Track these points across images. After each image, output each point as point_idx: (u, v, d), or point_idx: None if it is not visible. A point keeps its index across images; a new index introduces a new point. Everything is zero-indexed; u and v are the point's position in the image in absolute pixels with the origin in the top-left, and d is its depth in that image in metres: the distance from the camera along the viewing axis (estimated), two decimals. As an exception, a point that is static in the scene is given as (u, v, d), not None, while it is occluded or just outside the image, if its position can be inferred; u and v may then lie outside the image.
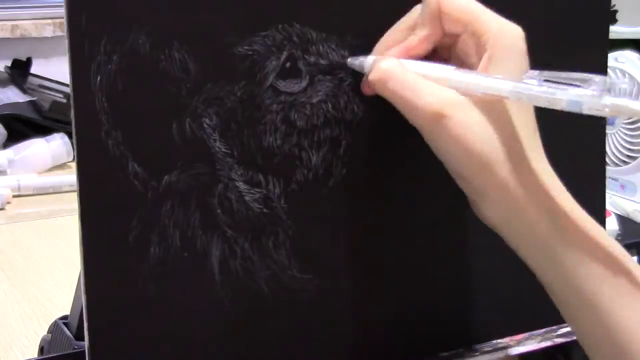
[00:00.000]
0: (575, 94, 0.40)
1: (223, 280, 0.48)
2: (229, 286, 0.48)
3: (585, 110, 0.40)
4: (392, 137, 0.52)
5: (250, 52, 0.47)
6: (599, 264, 0.45)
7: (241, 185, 0.48)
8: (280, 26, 0.48)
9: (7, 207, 1.16)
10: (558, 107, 0.41)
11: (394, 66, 0.46)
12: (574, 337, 0.57)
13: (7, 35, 2.17)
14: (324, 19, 0.49)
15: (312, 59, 0.49)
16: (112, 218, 0.45)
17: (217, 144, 0.47)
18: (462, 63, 0.48)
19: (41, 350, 0.63)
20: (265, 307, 0.49)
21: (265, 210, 0.49)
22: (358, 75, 0.50)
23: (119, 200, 0.45)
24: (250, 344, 0.49)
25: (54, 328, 0.61)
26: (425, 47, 0.48)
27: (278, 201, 0.49)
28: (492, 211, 0.46)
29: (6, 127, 1.37)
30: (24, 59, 1.67)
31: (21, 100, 1.45)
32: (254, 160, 0.48)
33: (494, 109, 0.45)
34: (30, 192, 1.20)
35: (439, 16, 0.47)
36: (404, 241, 0.53)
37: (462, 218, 0.54)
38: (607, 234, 0.47)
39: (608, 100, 0.39)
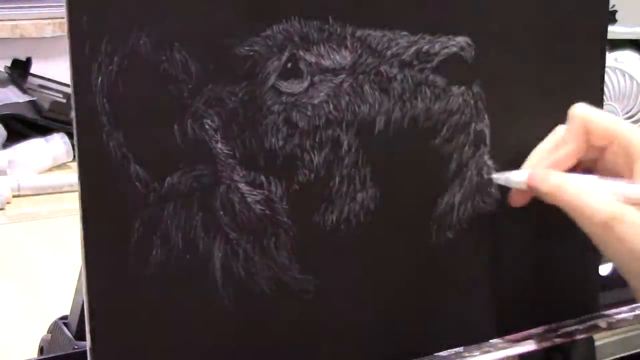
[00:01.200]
0: None
1: (225, 282, 0.48)
2: (230, 287, 0.48)
3: None
4: (391, 136, 0.52)
5: (251, 53, 0.47)
6: None
7: (243, 187, 0.48)
8: (281, 26, 0.48)
9: (7, 207, 1.16)
10: None
11: (566, 180, 0.52)
12: (574, 338, 0.58)
13: (7, 35, 2.17)
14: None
15: (314, 60, 0.49)
16: (113, 220, 0.45)
17: (219, 145, 0.47)
18: (612, 174, 0.53)
19: (41, 350, 0.63)
20: (267, 308, 0.49)
21: (267, 211, 0.49)
22: (360, 76, 0.50)
23: (120, 201, 0.45)
24: (251, 344, 0.49)
25: (54, 328, 0.61)
26: (571, 163, 0.54)
27: (280, 202, 0.49)
28: None
29: (6, 127, 1.37)
30: (23, 58, 1.67)
31: (21, 100, 1.45)
32: (256, 161, 0.48)
33: None
34: (30, 192, 1.20)
35: (584, 133, 0.53)
36: (404, 241, 0.53)
37: (461, 214, 0.54)
38: None
39: None
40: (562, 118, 0.56)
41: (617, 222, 0.50)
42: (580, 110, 0.54)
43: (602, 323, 0.60)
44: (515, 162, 0.55)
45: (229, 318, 0.48)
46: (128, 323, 0.46)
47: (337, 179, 0.50)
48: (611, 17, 0.79)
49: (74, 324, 0.58)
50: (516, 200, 0.55)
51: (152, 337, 0.47)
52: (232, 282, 0.48)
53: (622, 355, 0.69)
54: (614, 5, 0.89)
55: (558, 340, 0.58)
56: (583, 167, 0.55)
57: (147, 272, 0.46)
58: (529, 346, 0.56)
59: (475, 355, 0.55)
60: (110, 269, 0.45)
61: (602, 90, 0.63)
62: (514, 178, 0.54)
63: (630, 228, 0.49)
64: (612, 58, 1.02)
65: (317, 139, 0.50)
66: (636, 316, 0.62)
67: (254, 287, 0.49)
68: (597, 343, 0.63)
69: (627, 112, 1.03)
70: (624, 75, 1.02)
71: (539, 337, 0.57)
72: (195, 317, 0.48)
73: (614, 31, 0.99)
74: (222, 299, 0.48)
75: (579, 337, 0.58)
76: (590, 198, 0.51)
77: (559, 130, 0.55)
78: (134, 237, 0.45)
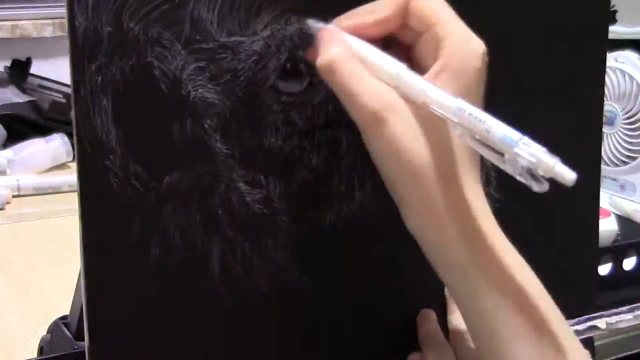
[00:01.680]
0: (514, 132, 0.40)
1: (223, 280, 0.48)
2: (229, 286, 0.48)
3: (516, 150, 0.39)
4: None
5: (250, 53, 0.47)
6: (506, 297, 0.44)
7: (242, 186, 0.48)
8: (280, 27, 0.48)
9: (6, 207, 1.15)
10: (490, 141, 0.41)
11: (342, 55, 0.45)
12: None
13: (7, 35, 2.17)
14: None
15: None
16: (112, 219, 0.45)
17: (218, 144, 0.47)
18: (418, 66, 0.46)
19: (40, 350, 0.62)
20: (265, 307, 0.49)
21: (265, 210, 0.49)
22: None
23: (120, 201, 0.45)
24: (250, 343, 0.49)
25: (54, 328, 0.61)
26: (378, 31, 0.47)
27: (278, 201, 0.49)
28: (413, 222, 0.46)
29: (6, 127, 1.37)
30: (23, 59, 1.67)
31: (21, 101, 1.45)
32: (255, 161, 0.48)
33: (433, 122, 0.44)
34: (30, 192, 1.20)
35: (404, 7, 0.46)
36: (404, 241, 0.53)
37: None
38: (527, 269, 0.46)
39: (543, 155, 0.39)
40: (562, 122, 0.56)
41: (385, 121, 0.43)
42: None
43: (601, 324, 0.61)
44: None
45: (227, 316, 0.48)
46: (127, 323, 0.46)
47: (336, 179, 0.51)
48: (611, 17, 0.78)
49: (74, 324, 0.58)
50: (311, 55, 0.47)
51: (150, 336, 0.47)
52: (231, 280, 0.48)
53: (622, 355, 0.69)
54: (614, 5, 0.89)
55: None
56: (398, 49, 0.47)
57: (145, 271, 0.46)
58: None
59: None
60: (109, 269, 0.45)
61: (602, 90, 0.63)
62: (312, 24, 0.48)
63: (399, 131, 0.43)
64: (612, 58, 1.02)
65: (316, 139, 0.50)
66: (636, 317, 0.63)
67: (253, 286, 0.49)
68: (596, 343, 0.63)
69: (627, 112, 1.03)
70: (624, 75, 1.02)
71: None
72: (194, 316, 0.48)
73: (614, 31, 0.99)
74: (220, 297, 0.48)
75: (578, 337, 0.58)
76: (362, 84, 0.44)
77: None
78: (133, 236, 0.46)
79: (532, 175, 0.39)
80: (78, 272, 0.46)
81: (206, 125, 0.47)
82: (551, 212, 0.56)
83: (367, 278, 0.53)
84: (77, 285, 0.56)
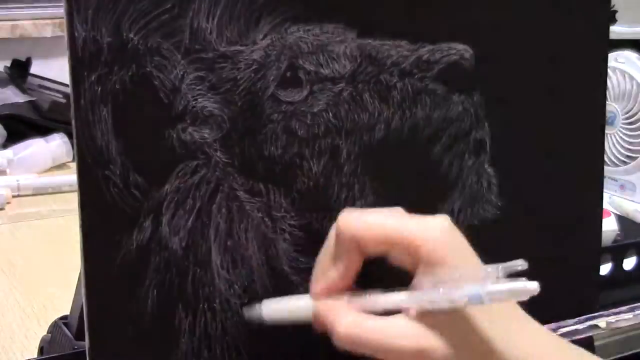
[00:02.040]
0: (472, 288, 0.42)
1: (224, 288, 0.48)
2: (230, 293, 0.48)
3: (487, 301, 0.42)
4: (392, 144, 0.52)
5: (250, 62, 0.47)
6: None
7: (242, 195, 0.48)
8: (280, 35, 0.48)
9: (6, 207, 1.15)
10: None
11: (351, 320, 0.45)
12: (574, 337, 0.58)
13: (7, 35, 2.16)
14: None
15: (313, 68, 0.49)
16: (112, 228, 0.45)
17: (218, 153, 0.47)
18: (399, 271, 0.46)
19: (41, 350, 0.62)
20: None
21: (265, 219, 0.49)
22: (359, 85, 0.50)
23: (120, 209, 0.45)
24: (249, 346, 0.49)
25: (54, 328, 0.61)
26: (351, 277, 0.47)
27: (279, 210, 0.49)
28: None
29: (6, 127, 1.36)
30: (23, 59, 1.67)
31: (21, 100, 1.44)
32: (255, 169, 0.48)
33: (461, 318, 0.44)
34: (30, 192, 1.19)
35: (356, 246, 0.46)
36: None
37: (461, 222, 0.54)
38: None
39: (501, 286, 0.42)
40: (564, 123, 0.56)
41: (425, 343, 0.44)
42: (345, 224, 0.46)
43: (601, 323, 0.61)
44: (517, 170, 0.55)
45: (227, 322, 0.48)
46: (127, 323, 0.46)
47: (336, 187, 0.50)
48: (611, 17, 0.78)
49: (74, 324, 0.58)
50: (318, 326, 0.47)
51: (151, 337, 0.47)
52: (232, 288, 0.48)
53: (622, 355, 0.69)
54: (614, 5, 0.89)
55: None
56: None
57: (145, 278, 0.46)
58: None
59: None
60: (109, 277, 0.45)
61: (604, 93, 0.62)
62: (293, 306, 0.48)
63: (440, 343, 0.44)
64: (612, 58, 1.02)
65: (316, 147, 0.50)
66: (636, 316, 0.63)
67: (254, 295, 0.49)
68: (597, 343, 0.63)
69: (627, 112, 1.03)
70: (624, 75, 1.02)
71: None
72: (194, 322, 0.48)
73: (614, 31, 0.99)
74: (221, 304, 0.48)
75: (578, 337, 0.59)
76: (388, 339, 0.44)
77: (332, 238, 0.47)
78: (133, 244, 0.46)
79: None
80: (78, 272, 0.46)
81: (206, 135, 0.47)
82: (554, 216, 0.56)
83: (368, 285, 0.52)
84: (77, 285, 0.56)
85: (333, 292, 0.47)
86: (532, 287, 0.41)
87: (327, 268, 0.47)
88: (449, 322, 0.44)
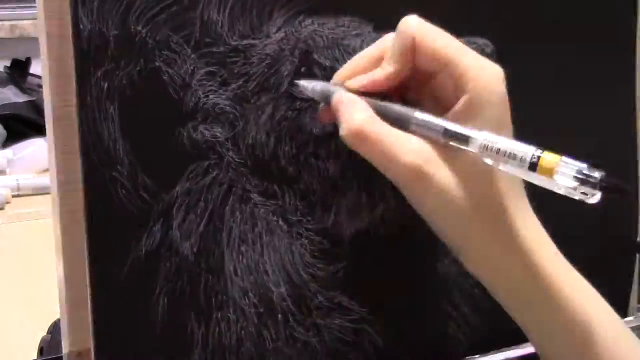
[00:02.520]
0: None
1: (238, 295, 0.47)
2: (245, 299, 0.47)
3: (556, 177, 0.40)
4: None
5: (263, 57, 0.46)
6: (575, 331, 0.45)
7: (256, 197, 0.47)
8: (295, 29, 0.46)
9: (6, 207, 1.16)
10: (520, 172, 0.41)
11: (367, 120, 0.44)
12: None
13: (7, 35, 2.18)
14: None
15: (329, 64, 0.48)
16: (120, 232, 0.44)
17: (230, 153, 0.46)
18: (437, 103, 0.46)
19: (41, 351, 0.63)
20: (282, 322, 0.48)
21: (281, 222, 0.47)
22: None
23: (128, 213, 0.44)
24: (258, 346, 0.48)
25: (54, 329, 0.62)
26: (391, 84, 0.46)
27: (294, 213, 0.47)
28: (472, 267, 0.46)
29: (5, 127, 1.38)
30: (23, 59, 1.68)
31: (20, 100, 1.46)
32: (269, 170, 0.47)
33: (474, 163, 0.43)
34: (30, 192, 1.21)
35: (412, 53, 0.45)
36: (427, 252, 0.52)
37: None
38: (594, 293, 0.46)
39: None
40: (586, 120, 0.55)
41: (428, 176, 0.43)
42: (410, 26, 0.45)
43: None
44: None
45: (242, 333, 0.47)
46: (137, 338, 0.45)
47: (355, 189, 0.49)
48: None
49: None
50: (323, 118, 0.47)
51: (153, 339, 0.45)
52: (247, 297, 0.47)
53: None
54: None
55: None
56: (408, 91, 0.47)
57: (156, 286, 0.45)
58: (531, 348, 0.55)
59: (475, 358, 0.55)
60: (116, 282, 0.44)
61: (634, 86, 0.61)
62: (319, 88, 0.46)
63: (443, 182, 0.43)
64: None
65: (332, 147, 0.48)
66: (636, 317, 0.62)
67: (269, 303, 0.47)
68: None
69: None
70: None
71: None
72: (207, 333, 0.46)
73: None
74: (236, 313, 0.47)
75: None
76: (396, 145, 0.43)
77: (384, 42, 0.47)
78: (142, 249, 0.44)
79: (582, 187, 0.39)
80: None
81: (218, 133, 0.45)
82: (584, 218, 0.54)
83: (387, 290, 0.51)
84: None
85: (368, 90, 0.45)
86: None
87: (370, 67, 0.46)
88: (461, 162, 0.43)
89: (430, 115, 0.44)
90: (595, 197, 0.39)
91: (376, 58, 0.46)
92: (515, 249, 0.44)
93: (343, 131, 0.44)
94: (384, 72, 0.45)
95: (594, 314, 0.45)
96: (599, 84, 0.58)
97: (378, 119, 0.44)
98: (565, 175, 0.39)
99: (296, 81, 0.47)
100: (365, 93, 0.45)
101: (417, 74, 0.46)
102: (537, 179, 0.40)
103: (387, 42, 0.46)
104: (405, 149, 0.43)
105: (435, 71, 0.45)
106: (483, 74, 0.43)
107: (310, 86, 0.46)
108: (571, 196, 0.39)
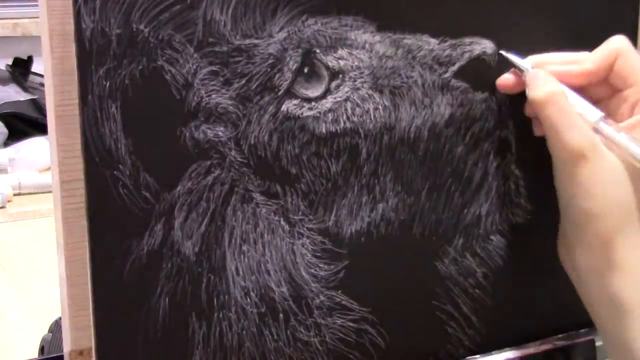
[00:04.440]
0: None
1: (239, 295, 0.46)
2: (246, 300, 0.47)
3: None
4: (412, 143, 0.50)
5: (266, 56, 0.46)
6: None
7: (258, 197, 0.46)
8: (298, 28, 0.46)
9: (7, 205, 1.18)
10: None
11: (559, 93, 0.49)
12: (575, 340, 0.57)
13: (9, 33, 2.17)
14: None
15: (332, 64, 0.47)
16: (121, 232, 0.43)
17: (232, 152, 0.45)
18: (614, 111, 0.51)
19: (42, 349, 0.63)
20: (283, 322, 0.48)
21: (282, 222, 0.47)
22: (379, 81, 0.48)
23: (129, 212, 0.43)
24: (267, 359, 0.48)
25: (55, 327, 0.62)
26: (582, 81, 0.51)
27: (296, 213, 0.47)
28: (582, 260, 0.49)
29: (7, 125, 1.39)
30: (25, 57, 1.68)
31: (22, 99, 1.46)
32: (271, 170, 0.46)
33: (634, 171, 0.47)
34: (31, 191, 1.22)
35: (611, 62, 0.51)
36: (427, 253, 0.52)
37: (489, 228, 0.53)
38: None
39: None
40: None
41: (587, 159, 0.47)
42: (617, 43, 0.51)
43: None
44: (543, 171, 0.53)
45: (243, 333, 0.47)
46: (138, 337, 0.45)
47: (356, 189, 0.49)
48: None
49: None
50: (504, 85, 0.52)
51: (154, 339, 0.45)
52: (248, 296, 0.47)
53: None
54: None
55: (559, 343, 0.57)
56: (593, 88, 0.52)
57: (157, 285, 0.44)
58: (530, 349, 0.56)
59: (475, 358, 0.55)
60: (118, 284, 0.44)
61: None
62: (518, 60, 0.51)
63: (597, 173, 0.48)
64: None
65: (334, 147, 0.48)
66: None
67: (272, 304, 0.47)
68: (597, 344, 0.62)
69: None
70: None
71: (540, 340, 0.57)
72: (209, 332, 0.46)
73: None
74: (237, 313, 0.46)
75: (579, 339, 0.58)
76: (572, 123, 0.48)
77: (584, 54, 0.52)
78: (143, 249, 0.44)
79: None
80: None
81: (220, 133, 0.45)
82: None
83: (389, 291, 0.51)
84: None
85: (563, 78, 0.51)
86: None
87: (563, 62, 0.52)
88: (628, 173, 0.48)
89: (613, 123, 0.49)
90: None
91: (572, 60, 0.52)
92: (634, 260, 0.48)
93: (538, 91, 0.49)
94: (581, 67, 0.51)
95: None
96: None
97: (562, 94, 0.49)
98: None
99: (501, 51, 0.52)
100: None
101: (602, 88, 0.52)
102: None
103: (584, 54, 0.52)
104: (577, 130, 0.48)
105: (621, 88, 0.51)
106: None
107: (509, 54, 0.52)
108: None
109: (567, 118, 0.48)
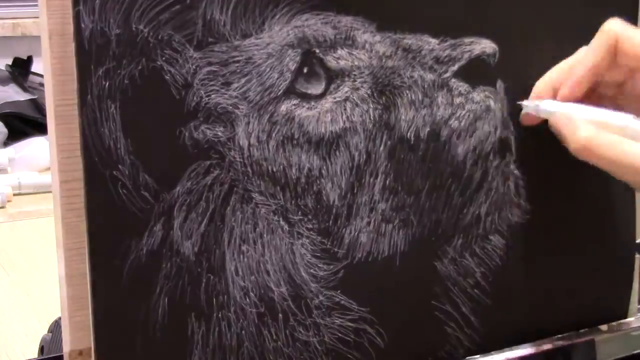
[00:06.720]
0: None
1: (239, 295, 0.46)
2: (246, 300, 0.47)
3: None
4: (412, 143, 0.50)
5: (266, 56, 0.46)
6: None
7: (257, 197, 0.46)
8: (297, 27, 0.46)
9: (7, 205, 1.17)
10: None
11: (592, 134, 0.48)
12: (575, 340, 0.57)
13: (8, 33, 2.18)
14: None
15: (331, 63, 0.47)
16: (121, 232, 0.43)
17: (232, 153, 0.45)
18: (632, 101, 0.50)
19: (41, 349, 0.63)
20: (280, 319, 0.48)
21: (282, 222, 0.47)
22: (379, 81, 0.49)
23: (128, 212, 0.43)
24: (266, 359, 0.48)
25: (55, 327, 0.61)
26: (590, 82, 0.50)
27: (295, 213, 0.47)
28: None
29: (7, 125, 1.39)
30: (24, 57, 1.68)
31: (22, 99, 1.46)
32: (271, 170, 0.46)
33: None
34: (31, 191, 1.22)
35: (610, 50, 0.49)
36: (428, 252, 0.52)
37: (489, 228, 0.53)
38: None
39: None
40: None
41: None
42: (611, 26, 0.50)
43: (602, 325, 0.60)
44: (543, 171, 0.53)
45: (242, 333, 0.47)
46: (137, 337, 0.45)
47: (355, 188, 0.49)
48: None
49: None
50: (526, 121, 0.52)
51: (154, 339, 0.45)
52: (247, 296, 0.47)
53: (623, 355, 0.68)
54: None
55: (559, 343, 0.57)
56: (606, 90, 0.51)
57: (156, 285, 0.44)
58: (530, 349, 0.56)
59: (476, 358, 0.55)
60: (117, 284, 0.44)
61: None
62: (544, 107, 0.51)
63: None
64: None
65: (333, 147, 0.48)
66: (637, 318, 0.62)
67: (268, 300, 0.47)
68: (597, 344, 0.62)
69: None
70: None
71: (539, 340, 0.57)
72: (208, 332, 0.46)
73: None
74: (236, 313, 0.47)
75: (579, 339, 0.58)
76: (625, 152, 0.47)
77: (579, 53, 0.51)
78: (143, 249, 0.44)
79: None
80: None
81: (219, 133, 0.45)
82: (584, 220, 0.54)
83: (388, 291, 0.51)
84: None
85: (575, 90, 0.50)
86: None
87: (567, 72, 0.51)
88: None
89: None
90: None
91: (569, 67, 0.51)
92: None
93: (573, 148, 0.48)
94: (583, 66, 0.50)
95: None
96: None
97: (595, 131, 0.48)
98: None
99: (522, 103, 0.52)
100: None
101: (614, 73, 0.50)
102: None
103: (579, 53, 0.51)
104: (634, 146, 0.47)
105: (637, 66, 0.49)
106: None
107: (532, 105, 0.52)
108: None
109: (619, 150, 0.47)
